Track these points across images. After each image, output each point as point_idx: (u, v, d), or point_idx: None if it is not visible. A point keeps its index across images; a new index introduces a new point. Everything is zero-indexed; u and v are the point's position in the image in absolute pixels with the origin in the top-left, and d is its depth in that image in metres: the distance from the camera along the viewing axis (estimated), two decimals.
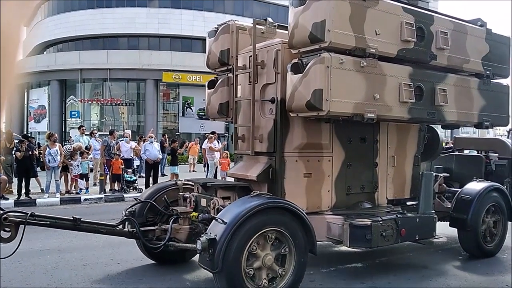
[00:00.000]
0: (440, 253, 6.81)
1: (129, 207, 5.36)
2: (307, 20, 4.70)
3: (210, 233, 4.15)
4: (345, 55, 4.77)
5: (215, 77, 6.28)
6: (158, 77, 32.27)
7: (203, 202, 5.20)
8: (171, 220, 5.05)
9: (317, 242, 5.53)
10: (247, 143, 5.44)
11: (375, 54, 4.95)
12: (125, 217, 5.08)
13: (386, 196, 6.07)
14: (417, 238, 5.58)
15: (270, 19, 6.09)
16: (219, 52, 5.97)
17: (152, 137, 14.39)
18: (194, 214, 5.06)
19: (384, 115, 5.12)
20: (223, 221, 4.13)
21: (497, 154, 7.70)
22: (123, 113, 37.34)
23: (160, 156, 14.79)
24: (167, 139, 19.24)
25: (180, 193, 5.65)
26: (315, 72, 4.61)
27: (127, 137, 14.77)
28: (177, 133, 32.66)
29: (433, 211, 5.88)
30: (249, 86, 5.43)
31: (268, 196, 4.62)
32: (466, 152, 8.45)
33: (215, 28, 6.19)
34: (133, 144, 14.60)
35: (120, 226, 5.06)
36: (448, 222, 6.56)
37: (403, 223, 5.34)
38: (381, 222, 5.10)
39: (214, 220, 4.30)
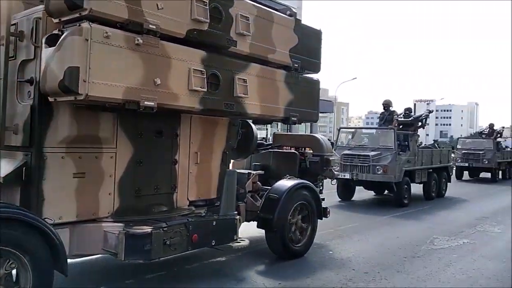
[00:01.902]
0: (247, 257, 6.38)
1: None
2: None
3: None
4: (116, 28, 3.95)
5: None
6: None
7: None
8: None
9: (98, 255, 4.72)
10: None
11: (156, 32, 4.21)
12: None
13: (187, 197, 5.40)
14: (213, 244, 5.02)
15: None
16: None
17: None
18: None
19: (169, 104, 4.41)
20: None
21: (311, 151, 7.62)
22: None
23: None
24: None
25: None
26: (70, 45, 3.70)
27: None
28: None
29: (235, 212, 5.41)
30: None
31: None
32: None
33: None
34: None
35: None
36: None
37: (195, 228, 4.74)
38: (165, 229, 4.41)
39: None
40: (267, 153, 7.47)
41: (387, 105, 13.55)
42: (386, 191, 12.85)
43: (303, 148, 7.64)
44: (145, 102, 4.10)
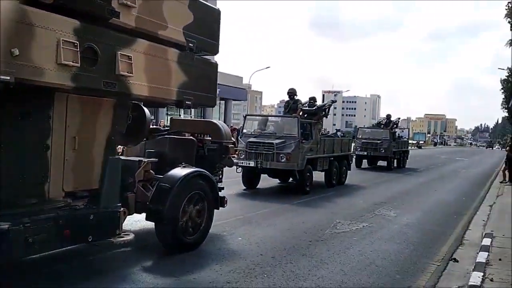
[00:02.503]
0: (133, 253, 5.82)
1: None
2: None
3: None
4: None
5: None
6: None
7: None
8: None
9: None
10: None
11: None
12: None
13: (62, 188, 4.70)
14: (91, 240, 4.48)
15: None
16: None
17: None
18: None
19: (32, 80, 3.78)
20: None
21: (210, 138, 7.12)
22: None
23: None
24: None
25: None
26: None
27: None
28: None
29: (119, 204, 4.88)
30: None
31: None
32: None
33: None
34: None
35: None
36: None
37: (67, 222, 4.18)
38: (27, 225, 3.78)
39: None
40: (163, 139, 6.83)
41: (292, 93, 13.36)
42: (290, 179, 12.76)
43: (202, 135, 7.18)
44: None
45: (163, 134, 6.99)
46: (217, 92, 6.37)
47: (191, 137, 6.94)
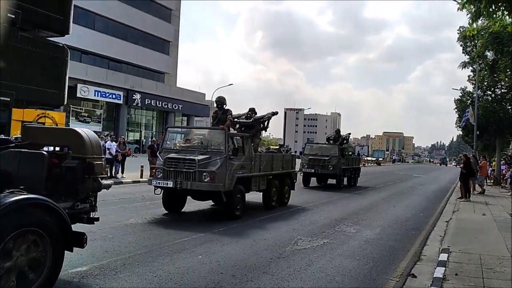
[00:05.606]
0: None
1: None
2: None
3: None
4: None
5: None
6: None
7: None
8: None
9: None
10: None
11: None
12: None
13: None
14: None
15: None
16: None
17: None
18: None
19: None
20: None
21: (70, 152, 5.37)
22: None
23: None
24: None
25: None
26: None
27: None
28: None
29: None
30: None
31: None
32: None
33: None
34: None
35: None
36: None
37: None
38: None
39: None
40: (6, 153, 5.05)
41: (220, 102, 11.50)
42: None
43: (62, 148, 5.47)
44: None
45: (8, 147, 5.24)
46: (66, 87, 4.90)
47: (40, 151, 5.18)
